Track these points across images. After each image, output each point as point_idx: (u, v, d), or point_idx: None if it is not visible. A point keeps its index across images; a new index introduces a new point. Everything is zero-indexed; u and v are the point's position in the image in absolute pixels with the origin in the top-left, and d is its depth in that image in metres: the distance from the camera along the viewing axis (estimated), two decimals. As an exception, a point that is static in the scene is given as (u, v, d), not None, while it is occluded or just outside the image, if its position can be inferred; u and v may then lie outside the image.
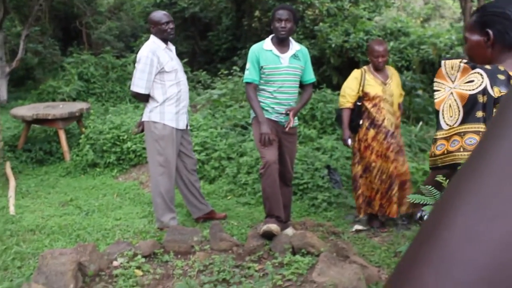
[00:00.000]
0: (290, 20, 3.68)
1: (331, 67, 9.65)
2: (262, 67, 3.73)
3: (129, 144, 6.00)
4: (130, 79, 4.12)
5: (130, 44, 12.74)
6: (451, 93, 1.68)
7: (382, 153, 4.08)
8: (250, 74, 3.76)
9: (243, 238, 3.90)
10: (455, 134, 1.65)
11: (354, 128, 4.19)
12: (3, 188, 5.35)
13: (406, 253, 0.35)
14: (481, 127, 1.60)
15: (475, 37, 1.78)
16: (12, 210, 4.64)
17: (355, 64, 9.16)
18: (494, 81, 1.63)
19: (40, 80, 11.08)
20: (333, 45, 9.33)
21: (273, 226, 3.55)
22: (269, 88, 3.75)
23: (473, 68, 1.68)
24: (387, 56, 4.15)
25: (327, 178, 5.10)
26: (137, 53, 4.18)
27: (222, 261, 3.31)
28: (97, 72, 9.87)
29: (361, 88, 4.09)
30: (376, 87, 4.06)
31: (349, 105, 4.16)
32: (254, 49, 3.78)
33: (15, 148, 6.56)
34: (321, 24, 9.90)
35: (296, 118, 3.97)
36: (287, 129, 3.75)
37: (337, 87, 8.52)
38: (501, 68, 1.67)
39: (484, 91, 1.61)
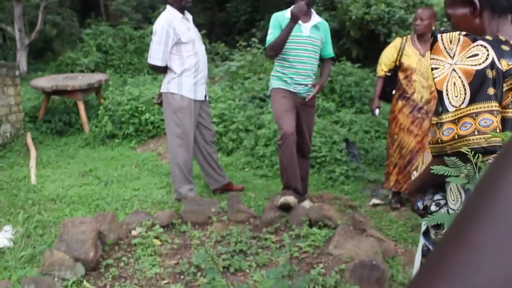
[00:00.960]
0: None
1: (351, 39, 9.47)
2: None
3: (147, 115, 6.02)
4: (148, 50, 4.09)
5: (148, 15, 12.66)
6: (453, 70, 1.50)
7: (405, 127, 3.95)
8: (272, 36, 3.73)
9: (260, 210, 3.92)
10: (466, 115, 1.46)
11: (386, 97, 4.12)
12: (24, 158, 5.44)
13: (423, 268, 0.35)
14: (494, 105, 1.43)
15: (459, 11, 1.64)
16: (33, 179, 4.73)
17: (376, 37, 8.98)
18: (500, 53, 1.48)
19: (58, 51, 11.14)
20: (353, 17, 9.13)
21: (290, 198, 3.55)
22: (288, 57, 3.71)
23: (474, 40, 1.51)
24: (430, 21, 3.84)
25: (345, 152, 5.07)
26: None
27: (239, 232, 3.34)
28: (115, 43, 9.87)
29: (398, 58, 3.97)
30: (412, 58, 3.89)
31: (383, 73, 4.07)
32: (277, 16, 3.78)
33: (36, 119, 6.64)
34: (341, -5, 9.68)
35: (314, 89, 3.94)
36: (307, 99, 3.72)
37: (356, 60, 8.40)
38: (502, 38, 1.54)
39: (493, 65, 1.45)
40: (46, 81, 6.78)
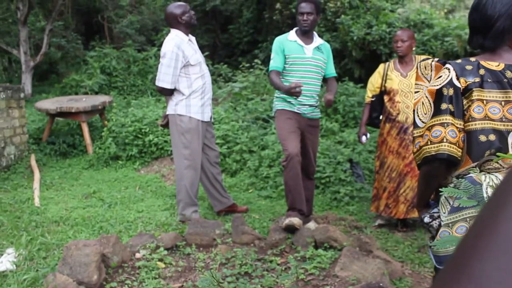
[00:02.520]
0: (312, 13, 3.70)
1: (353, 60, 9.53)
2: (286, 56, 3.74)
3: (150, 137, 6.03)
4: (152, 72, 4.12)
5: (151, 38, 12.79)
6: (424, 92, 1.75)
7: (394, 149, 3.97)
8: (274, 62, 3.77)
9: (264, 231, 3.89)
10: (426, 129, 1.69)
11: (373, 122, 4.16)
12: (28, 180, 5.44)
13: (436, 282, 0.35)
14: (445, 118, 1.64)
15: None
16: (37, 201, 4.71)
17: (377, 57, 9.03)
18: (461, 73, 1.68)
19: (63, 74, 11.23)
20: (355, 38, 9.21)
21: (295, 220, 3.53)
22: (292, 79, 3.73)
23: (443, 64, 1.75)
24: (410, 42, 3.92)
25: (349, 172, 5.05)
26: (158, 46, 4.17)
27: (244, 254, 3.30)
28: (119, 65, 9.94)
29: (383, 83, 4.03)
30: (394, 81, 3.97)
31: (369, 100, 4.14)
32: (279, 39, 3.82)
33: (40, 140, 6.66)
34: (343, 16, 9.78)
35: (318, 110, 3.95)
36: (325, 99, 3.66)
37: (359, 80, 8.43)
38: (472, 59, 1.73)
39: (450, 84, 1.66)
40: (50, 103, 6.82)
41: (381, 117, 4.13)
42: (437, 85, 1.68)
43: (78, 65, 11.15)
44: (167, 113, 4.10)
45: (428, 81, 1.78)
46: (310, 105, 3.82)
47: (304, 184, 3.78)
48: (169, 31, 4.11)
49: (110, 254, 3.14)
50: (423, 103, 1.73)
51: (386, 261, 3.14)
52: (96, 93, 9.11)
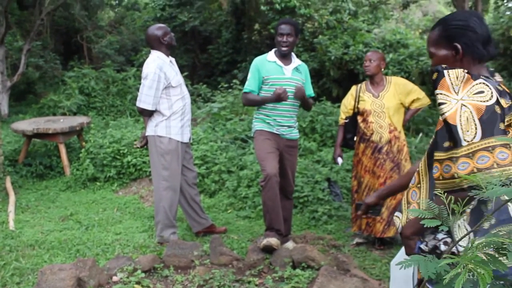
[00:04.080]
0: (291, 35, 3.77)
1: (331, 79, 9.68)
2: (265, 78, 3.79)
3: (129, 158, 6.00)
4: (131, 92, 4.14)
5: (131, 58, 12.81)
6: (463, 105, 1.53)
7: (370, 169, 4.03)
8: (249, 84, 3.86)
9: (243, 252, 3.88)
10: (481, 149, 1.48)
11: (347, 143, 4.25)
12: (3, 203, 5.35)
13: None
14: (506, 139, 1.45)
15: (442, 52, 1.74)
16: (11, 225, 4.63)
17: (355, 76, 9.19)
18: (498, 92, 1.55)
19: (41, 94, 11.14)
20: (332, 58, 9.37)
21: (273, 240, 3.54)
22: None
23: (475, 78, 1.57)
24: (378, 63, 4.02)
25: (328, 191, 5.09)
26: (137, 66, 4.19)
27: (222, 276, 3.30)
28: (98, 86, 9.91)
29: (356, 104, 4.11)
30: (367, 102, 4.05)
31: (342, 122, 4.22)
32: (257, 61, 3.87)
33: (16, 162, 6.57)
34: (320, 36, 9.95)
35: (296, 130, 4.00)
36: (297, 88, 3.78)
37: (336, 100, 8.55)
38: (494, 79, 1.64)
39: (498, 102, 1.52)
40: (27, 124, 6.75)
41: (355, 138, 4.19)
42: (485, 102, 1.51)
43: (56, 85, 11.09)
44: (146, 134, 4.09)
45: (456, 92, 1.57)
46: (289, 126, 3.87)
47: (282, 204, 3.81)
48: (148, 51, 4.13)
49: (86, 277, 3.10)
50: (467, 119, 1.51)
51: (364, 279, 3.16)
52: (75, 113, 9.05)
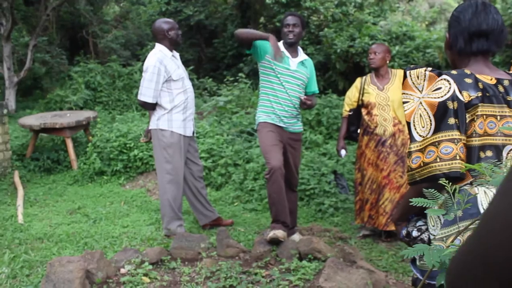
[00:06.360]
0: (298, 26, 3.78)
1: (337, 72, 9.64)
2: (267, 57, 3.75)
3: (135, 151, 6.03)
4: (137, 87, 4.15)
5: (136, 53, 12.81)
6: (420, 102, 1.64)
7: (373, 161, 4.02)
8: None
9: (249, 244, 3.90)
10: (430, 144, 1.58)
11: (351, 136, 4.23)
12: (12, 197, 5.39)
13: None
14: (454, 134, 1.54)
15: (446, 41, 1.82)
16: (20, 218, 4.67)
17: (361, 69, 9.15)
18: (462, 86, 1.60)
19: (47, 89, 11.18)
20: (338, 50, 9.33)
21: (279, 232, 3.55)
22: (275, 91, 3.78)
23: (439, 75, 1.65)
24: (383, 55, 4.01)
25: (334, 184, 5.10)
26: (143, 61, 4.20)
27: (229, 268, 3.32)
28: (104, 80, 9.94)
29: (360, 97, 4.09)
30: (371, 94, 4.03)
31: (346, 114, 4.20)
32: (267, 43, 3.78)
33: (23, 157, 6.61)
34: (326, 29, 9.90)
35: (301, 123, 4.00)
36: (303, 99, 3.75)
37: (342, 92, 8.51)
38: (467, 71, 1.66)
39: (453, 97, 1.58)
40: (34, 119, 6.79)
41: (359, 131, 4.18)
42: (439, 98, 1.58)
43: (63, 81, 11.12)
44: (150, 127, 4.12)
45: (420, 91, 1.67)
46: (292, 118, 3.85)
47: (288, 196, 3.81)
48: (153, 46, 4.15)
49: (94, 270, 3.13)
50: (421, 116, 1.61)
51: (370, 271, 3.17)
52: (81, 108, 9.09)
